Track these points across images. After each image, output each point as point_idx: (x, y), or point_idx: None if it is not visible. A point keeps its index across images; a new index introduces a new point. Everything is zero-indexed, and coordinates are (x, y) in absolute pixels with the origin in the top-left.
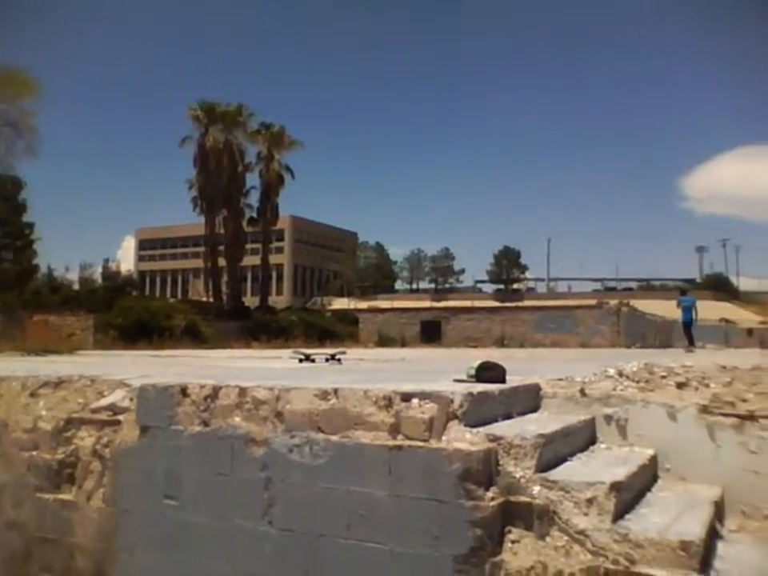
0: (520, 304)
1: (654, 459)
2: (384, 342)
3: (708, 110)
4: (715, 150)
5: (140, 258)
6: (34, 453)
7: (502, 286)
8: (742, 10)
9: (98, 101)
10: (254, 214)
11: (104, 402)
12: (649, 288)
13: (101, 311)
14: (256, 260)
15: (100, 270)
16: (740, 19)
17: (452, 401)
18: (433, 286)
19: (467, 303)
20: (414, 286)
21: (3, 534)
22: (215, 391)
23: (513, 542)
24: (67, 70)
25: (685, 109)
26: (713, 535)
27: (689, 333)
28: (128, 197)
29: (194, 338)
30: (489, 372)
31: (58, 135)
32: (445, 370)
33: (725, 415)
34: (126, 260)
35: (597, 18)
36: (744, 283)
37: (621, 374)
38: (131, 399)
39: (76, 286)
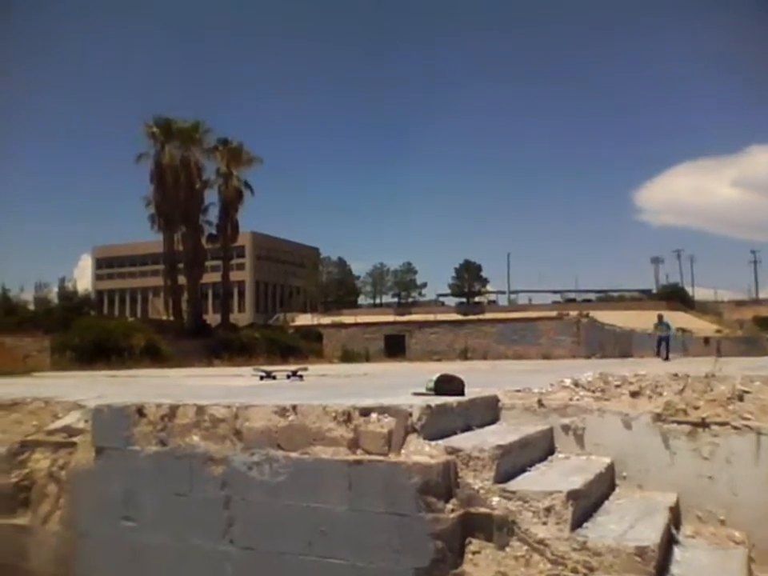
0: (482, 317)
1: (611, 467)
2: (348, 357)
3: (661, 123)
4: (668, 163)
5: (97, 277)
6: None
7: (464, 300)
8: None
9: (52, 114)
10: (214, 231)
11: (59, 423)
12: (607, 299)
13: (57, 332)
14: (217, 277)
15: (56, 289)
16: (696, 30)
17: (410, 414)
18: (396, 300)
19: (430, 317)
20: (377, 301)
21: None
22: (172, 410)
23: (473, 553)
24: (21, 84)
25: (638, 122)
26: (669, 541)
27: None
28: (84, 214)
29: (154, 357)
30: (447, 384)
31: (10, 151)
32: (406, 384)
33: (678, 423)
34: (83, 279)
35: (552, 27)
36: (699, 293)
37: (577, 384)
38: (86, 421)
39: (32, 307)
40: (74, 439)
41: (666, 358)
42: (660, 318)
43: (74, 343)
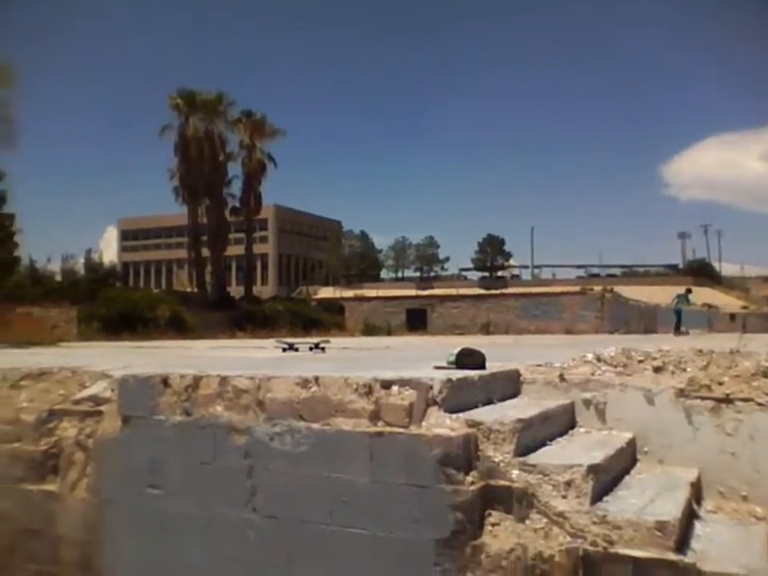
0: (505, 291)
1: (632, 442)
2: (370, 330)
3: (689, 97)
4: (697, 137)
5: (123, 249)
6: (17, 444)
7: (486, 274)
8: None
9: (76, 88)
10: (237, 204)
11: (86, 393)
12: (632, 274)
13: (84, 303)
14: (240, 250)
15: (82, 260)
16: (721, 8)
17: (431, 387)
18: (418, 274)
19: (452, 291)
20: (399, 275)
21: None
22: (196, 381)
23: (493, 525)
24: (46, 57)
25: (666, 95)
26: (690, 516)
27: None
28: (109, 186)
29: (179, 328)
30: (468, 358)
31: (37, 124)
32: (427, 358)
33: (701, 398)
34: (109, 250)
35: (578, 5)
36: (726, 268)
37: (599, 359)
38: (113, 390)
39: (58, 278)
40: (101, 408)
41: (682, 332)
42: (688, 291)
43: (101, 314)
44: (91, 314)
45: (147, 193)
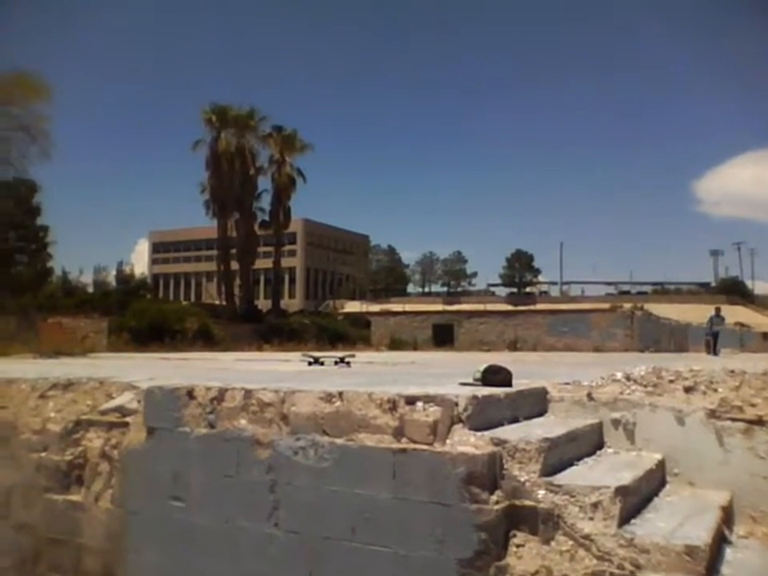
0: (533, 307)
1: (661, 463)
2: (396, 345)
3: (722, 113)
4: (729, 153)
5: (153, 261)
6: (43, 454)
7: (514, 290)
8: (755, 12)
9: (110, 102)
10: (266, 218)
11: (112, 403)
12: (663, 292)
13: (114, 314)
14: (268, 263)
15: (114, 272)
16: (753, 22)
17: (456, 404)
18: (445, 289)
19: (480, 307)
20: (426, 290)
21: (13, 534)
22: (221, 393)
23: (517, 546)
24: (78, 72)
25: (698, 111)
26: (720, 540)
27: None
28: (141, 199)
29: (207, 340)
30: (495, 375)
31: (70, 137)
32: (453, 374)
33: (733, 420)
34: (140, 263)
35: (607, 18)
36: (759, 287)
37: (628, 378)
38: (139, 401)
39: (90, 289)
40: (127, 419)
41: (715, 353)
42: (717, 310)
43: (130, 325)
44: (121, 325)
45: (178, 206)
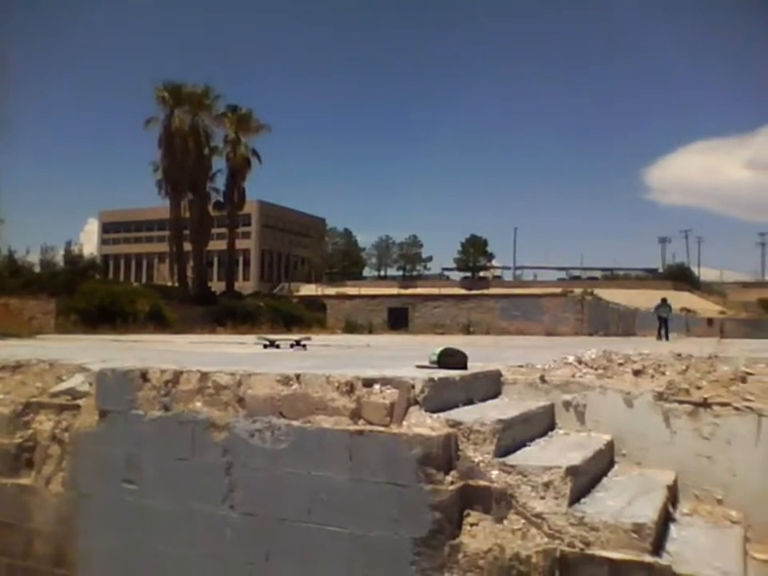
0: (486, 292)
1: (610, 444)
2: (351, 328)
3: (672, 102)
4: (679, 142)
5: (103, 242)
6: None
7: (468, 274)
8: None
9: (63, 78)
10: (221, 198)
11: (63, 386)
12: (613, 278)
13: (63, 295)
14: (222, 245)
15: (62, 252)
16: (709, 13)
17: (413, 386)
18: (401, 273)
19: (434, 291)
20: (382, 273)
21: None
22: (176, 376)
23: (471, 524)
24: (29, 47)
25: (650, 100)
26: (666, 518)
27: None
28: (91, 178)
29: (159, 323)
30: (450, 358)
31: (19, 114)
32: (408, 357)
33: (680, 402)
34: (89, 243)
35: (568, 4)
36: (705, 274)
37: (580, 362)
38: (90, 384)
39: (37, 269)
40: (78, 402)
41: (666, 338)
42: (663, 300)
43: (79, 307)
44: (70, 306)
45: (129, 186)
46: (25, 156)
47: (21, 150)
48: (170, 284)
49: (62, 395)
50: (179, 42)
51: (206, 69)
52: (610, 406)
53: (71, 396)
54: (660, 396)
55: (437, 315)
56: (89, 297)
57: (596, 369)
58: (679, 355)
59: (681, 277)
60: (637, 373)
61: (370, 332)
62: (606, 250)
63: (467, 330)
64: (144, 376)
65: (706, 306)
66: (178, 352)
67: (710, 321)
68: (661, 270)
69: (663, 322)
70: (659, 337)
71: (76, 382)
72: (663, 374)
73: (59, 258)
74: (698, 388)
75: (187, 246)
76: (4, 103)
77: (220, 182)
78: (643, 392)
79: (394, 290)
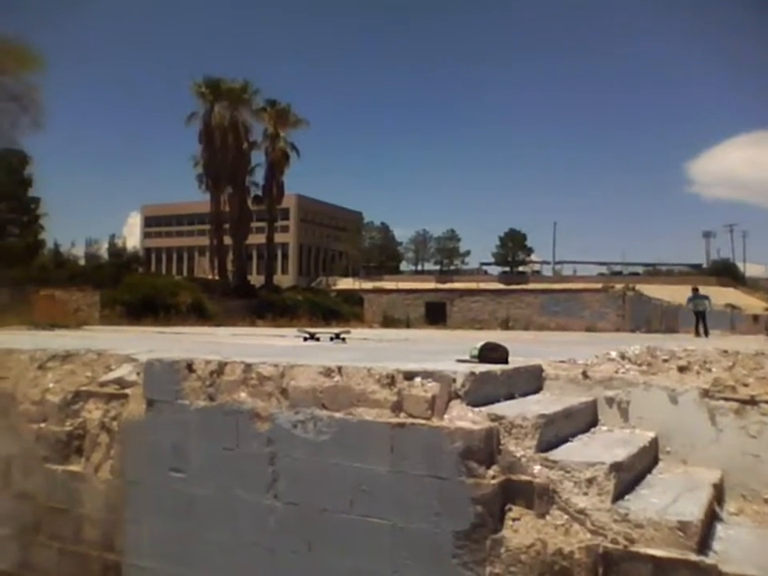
0: (525, 287)
1: (654, 441)
2: (389, 322)
3: (716, 94)
4: (723, 135)
5: (146, 235)
6: (43, 425)
7: (507, 269)
8: None
9: (104, 74)
10: (260, 192)
11: (111, 375)
12: (655, 273)
13: (107, 287)
14: (261, 238)
15: (106, 245)
16: (751, 4)
17: (454, 380)
18: (438, 267)
19: (472, 285)
20: (419, 268)
21: (14, 503)
22: (221, 367)
23: (513, 519)
24: (72, 43)
25: (693, 92)
26: (712, 517)
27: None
28: (134, 172)
29: (200, 315)
30: (492, 353)
31: (64, 109)
32: (447, 351)
33: (726, 399)
34: (132, 236)
35: (608, 2)
36: (750, 269)
37: (623, 357)
38: (138, 374)
39: (82, 262)
40: (126, 391)
41: (705, 334)
42: (695, 291)
43: (123, 299)
44: (114, 298)
45: (171, 180)
46: (68, 151)
47: (64, 145)
48: (210, 277)
49: (110, 384)
50: (220, 37)
51: (242, 64)
52: (654, 403)
53: (119, 385)
54: (706, 393)
55: (475, 310)
56: (133, 289)
57: (639, 365)
58: (725, 352)
59: (725, 272)
60: (682, 369)
61: (408, 326)
62: (649, 245)
63: (506, 325)
64: (190, 367)
65: (751, 303)
66: (221, 344)
67: (755, 317)
68: (705, 266)
69: (700, 317)
70: (697, 333)
71: (124, 371)
72: (709, 370)
73: (103, 251)
74: (745, 385)
75: (227, 240)
76: (43, 96)
77: (259, 176)
78: (688, 389)
79: (432, 285)
